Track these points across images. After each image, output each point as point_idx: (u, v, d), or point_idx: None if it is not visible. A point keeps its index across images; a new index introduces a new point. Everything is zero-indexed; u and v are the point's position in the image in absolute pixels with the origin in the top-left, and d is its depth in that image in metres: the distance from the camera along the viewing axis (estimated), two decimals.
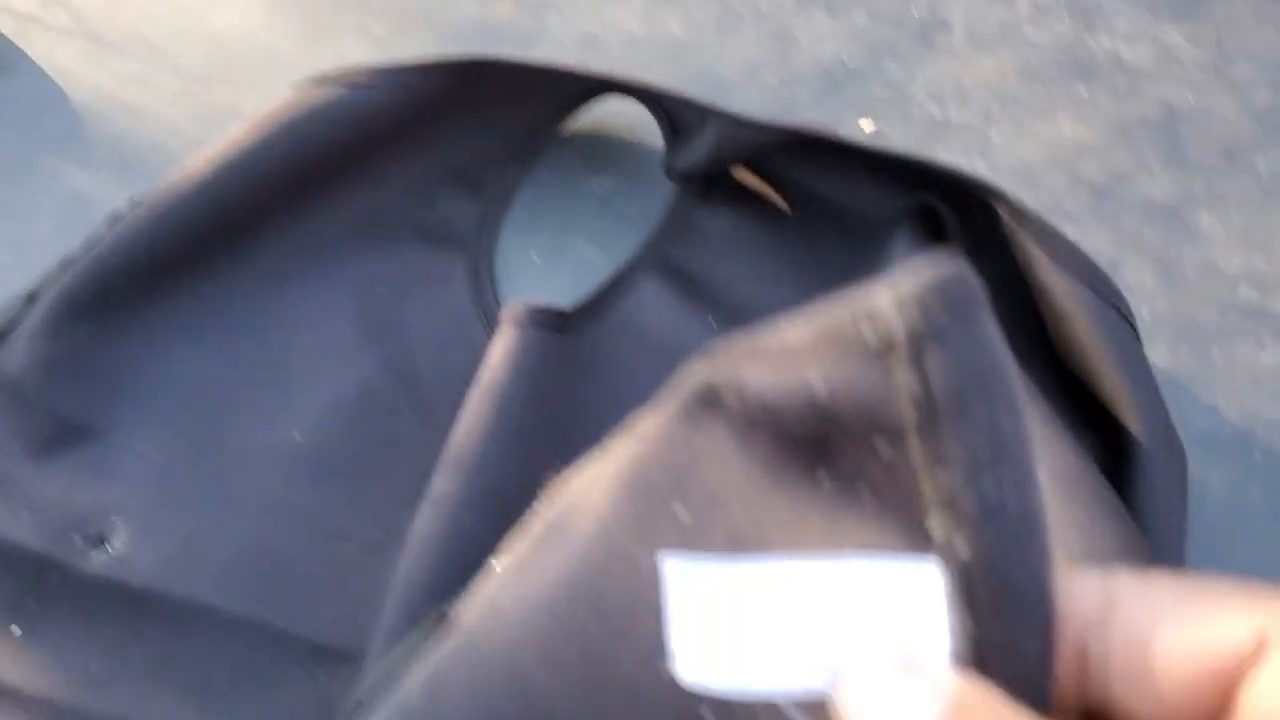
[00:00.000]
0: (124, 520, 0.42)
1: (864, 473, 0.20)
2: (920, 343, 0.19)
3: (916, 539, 0.19)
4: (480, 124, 0.50)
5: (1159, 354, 0.47)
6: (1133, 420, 0.39)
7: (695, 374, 0.23)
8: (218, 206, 0.45)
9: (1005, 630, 0.19)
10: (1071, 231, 0.42)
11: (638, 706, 0.22)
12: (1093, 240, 0.49)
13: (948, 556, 0.19)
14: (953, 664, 0.19)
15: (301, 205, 0.47)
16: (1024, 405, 0.19)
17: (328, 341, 0.45)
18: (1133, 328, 0.42)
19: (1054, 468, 0.36)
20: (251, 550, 0.41)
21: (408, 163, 0.48)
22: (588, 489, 0.25)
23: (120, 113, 0.55)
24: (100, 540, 0.41)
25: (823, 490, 0.21)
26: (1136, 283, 0.48)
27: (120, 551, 0.41)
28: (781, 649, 0.20)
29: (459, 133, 0.49)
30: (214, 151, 0.46)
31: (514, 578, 0.26)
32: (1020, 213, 0.42)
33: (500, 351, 0.41)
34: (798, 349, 0.21)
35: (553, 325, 0.43)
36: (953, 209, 0.45)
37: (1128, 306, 0.42)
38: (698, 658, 0.21)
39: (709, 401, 0.23)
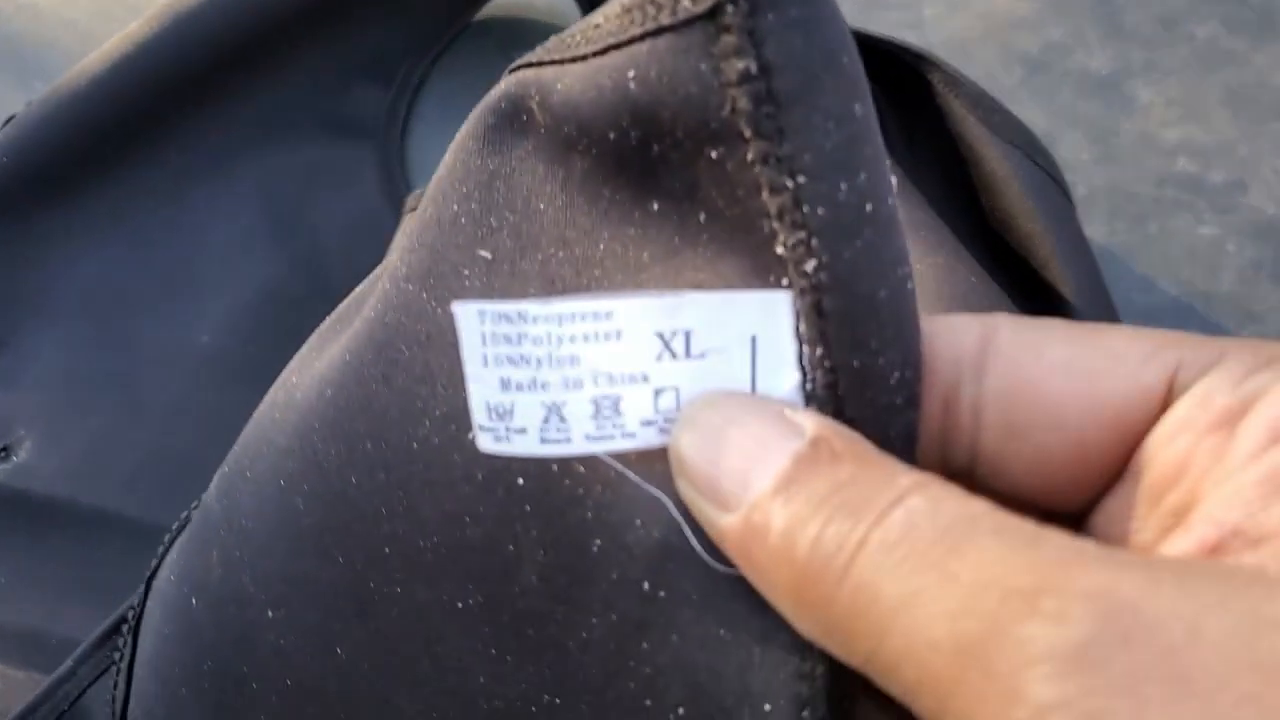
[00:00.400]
0: (28, 429, 0.40)
1: (698, 192, 0.17)
2: (753, 5, 0.15)
3: (763, 265, 0.16)
4: (390, 10, 0.47)
5: (1096, 229, 0.46)
6: (1067, 289, 0.38)
7: (496, 89, 0.20)
8: (114, 103, 0.43)
9: (865, 357, 0.16)
10: (1006, 107, 0.41)
11: (441, 479, 0.19)
12: (1028, 115, 0.47)
13: (797, 279, 0.16)
14: (807, 402, 0.17)
15: (202, 99, 0.44)
16: (869, 92, 0.16)
17: (234, 240, 0.44)
18: (1067, 195, 0.40)
19: (955, 288, 0.35)
20: (159, 455, 0.40)
21: (314, 51, 0.46)
22: (394, 254, 0.22)
23: (17, 11, 0.53)
24: (4, 450, 0.40)
25: (654, 219, 0.18)
26: (1073, 157, 0.47)
27: (24, 460, 0.40)
28: (604, 401, 0.17)
29: (368, 19, 0.47)
30: (110, 46, 0.43)
31: (308, 357, 0.23)
32: (954, 80, 0.41)
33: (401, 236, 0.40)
34: (609, 38, 0.17)
35: None
36: (884, 82, 0.43)
37: (1061, 174, 0.41)
38: (502, 419, 0.18)
39: (512, 118, 0.19)
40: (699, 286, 0.17)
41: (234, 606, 0.21)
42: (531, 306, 0.17)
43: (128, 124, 0.44)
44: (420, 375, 0.19)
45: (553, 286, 0.18)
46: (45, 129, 0.42)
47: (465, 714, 0.20)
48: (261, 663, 0.21)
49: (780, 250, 0.16)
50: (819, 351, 0.16)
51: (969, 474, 0.18)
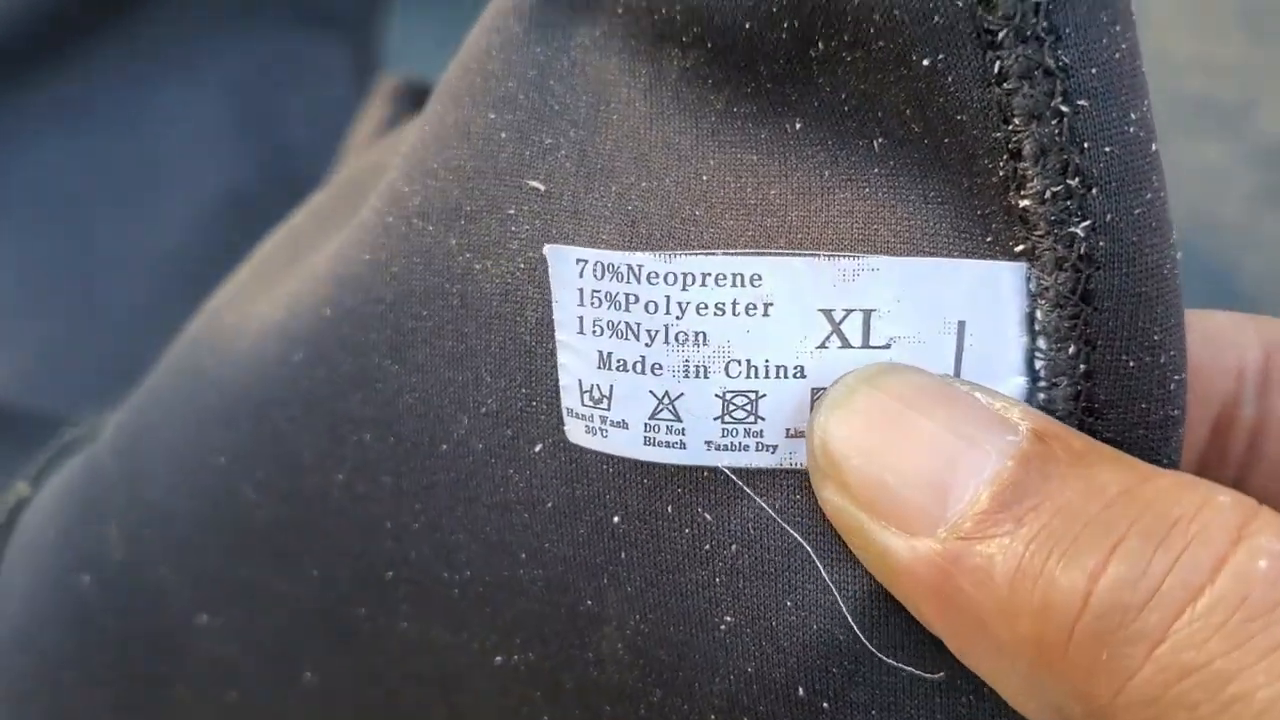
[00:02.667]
0: None
1: (876, 110, 0.12)
2: None
3: (983, 221, 0.12)
4: None
5: None
6: None
7: None
8: None
9: (1145, 354, 0.12)
10: None
11: (486, 498, 0.15)
12: None
13: (1050, 246, 0.12)
14: (1032, 401, 0.13)
15: None
16: None
17: (200, 138, 0.41)
18: None
19: None
20: (117, 362, 0.38)
21: None
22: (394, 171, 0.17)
23: None
24: None
25: (791, 143, 0.13)
26: None
27: None
28: (736, 397, 0.13)
29: None
30: None
31: (250, 288, 0.18)
32: None
33: (367, 129, 0.38)
34: None
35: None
36: None
37: None
38: (597, 405, 0.13)
39: None
40: (858, 245, 0.13)
41: (145, 599, 0.18)
42: (649, 259, 0.13)
43: (83, 12, 0.41)
44: (453, 354, 0.15)
45: (633, 230, 0.14)
46: None
47: None
48: (192, 670, 0.18)
49: (1025, 202, 0.12)
50: (1071, 350, 0.12)
51: None
